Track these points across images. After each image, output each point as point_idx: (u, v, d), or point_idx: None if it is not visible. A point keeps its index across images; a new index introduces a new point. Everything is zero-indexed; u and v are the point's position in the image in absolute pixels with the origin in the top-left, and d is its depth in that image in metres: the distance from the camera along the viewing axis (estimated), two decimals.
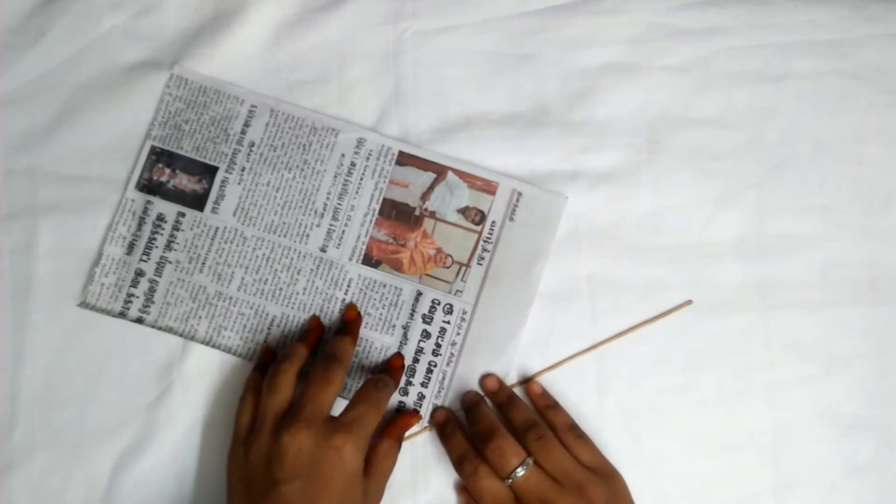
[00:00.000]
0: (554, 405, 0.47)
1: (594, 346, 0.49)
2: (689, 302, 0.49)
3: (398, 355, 0.48)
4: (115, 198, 0.50)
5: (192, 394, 0.48)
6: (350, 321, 0.48)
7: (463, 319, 0.49)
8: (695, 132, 0.51)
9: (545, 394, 0.48)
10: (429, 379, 0.49)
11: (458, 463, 0.45)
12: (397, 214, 0.50)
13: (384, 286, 0.49)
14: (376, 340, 0.49)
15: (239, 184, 0.50)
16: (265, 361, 0.47)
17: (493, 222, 0.50)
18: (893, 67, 0.51)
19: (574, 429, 0.46)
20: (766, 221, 0.50)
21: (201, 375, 0.48)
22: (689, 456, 0.48)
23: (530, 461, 0.43)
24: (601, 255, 0.50)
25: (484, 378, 0.48)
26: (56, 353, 0.48)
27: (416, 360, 0.49)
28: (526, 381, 0.48)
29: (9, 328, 0.48)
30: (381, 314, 0.49)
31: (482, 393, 0.48)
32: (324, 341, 0.48)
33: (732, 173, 0.51)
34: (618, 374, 0.49)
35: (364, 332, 0.49)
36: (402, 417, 0.47)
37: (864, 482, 0.48)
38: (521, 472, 0.43)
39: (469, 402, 0.47)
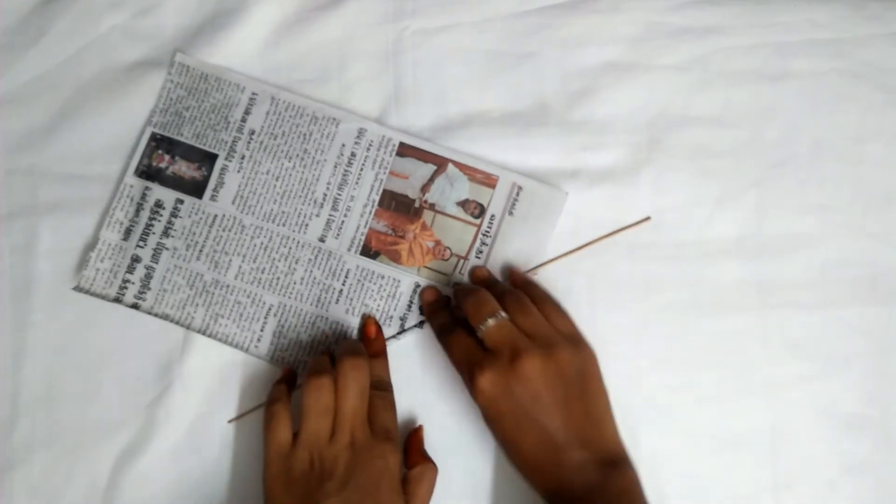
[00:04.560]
0: (532, 282, 0.47)
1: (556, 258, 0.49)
2: (647, 218, 0.49)
3: (370, 321, 0.48)
4: (115, 197, 0.50)
5: (192, 393, 0.48)
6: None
7: None
8: (694, 131, 0.51)
9: (522, 274, 0.48)
10: None
11: (439, 330, 0.45)
12: (397, 206, 0.50)
13: (382, 277, 0.49)
14: (362, 321, 0.49)
15: (238, 172, 0.50)
16: (290, 377, 0.47)
17: (493, 216, 0.49)
18: (893, 67, 0.51)
19: (551, 299, 0.46)
20: (766, 221, 0.50)
21: (201, 374, 0.48)
22: (688, 455, 0.48)
23: (503, 314, 0.42)
24: (601, 253, 0.50)
25: (475, 269, 0.49)
26: (56, 353, 0.48)
27: None
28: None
29: (9, 327, 0.48)
30: (378, 305, 0.49)
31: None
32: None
33: (732, 172, 0.51)
34: (617, 373, 0.49)
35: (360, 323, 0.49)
36: (412, 437, 0.47)
37: (862, 481, 0.48)
38: (491, 321, 0.42)
39: (435, 296, 0.49)
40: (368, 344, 0.47)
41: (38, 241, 0.49)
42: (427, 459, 0.45)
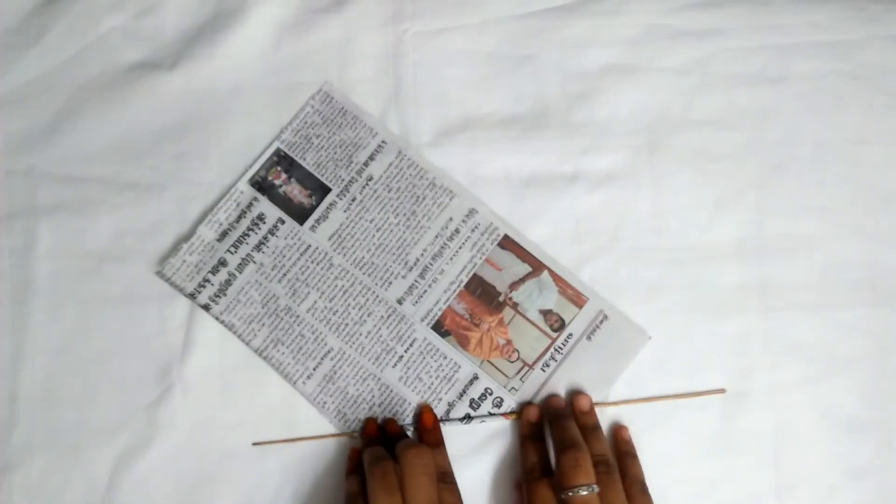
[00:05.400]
0: (634, 455, 0.47)
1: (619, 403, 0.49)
2: (722, 390, 0.49)
3: (427, 409, 0.47)
4: (114, 199, 0.50)
5: (193, 395, 0.48)
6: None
7: (507, 418, 0.48)
8: (695, 133, 0.51)
9: (630, 442, 0.48)
10: None
11: (529, 468, 0.44)
12: (482, 293, 0.49)
13: (444, 357, 0.48)
14: (417, 409, 0.48)
15: (345, 212, 0.50)
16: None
17: (570, 335, 0.49)
18: (893, 68, 0.51)
19: (643, 484, 0.45)
20: (766, 222, 0.50)
21: (202, 376, 0.48)
22: (690, 458, 0.48)
23: (596, 488, 0.41)
24: (601, 257, 0.50)
25: (578, 395, 0.48)
26: (56, 354, 0.48)
27: None
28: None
29: (9, 328, 0.48)
30: (431, 383, 0.48)
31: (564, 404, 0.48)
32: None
33: (732, 174, 0.51)
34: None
35: (409, 395, 0.48)
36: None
37: (864, 484, 0.48)
38: (584, 491, 0.41)
39: (557, 411, 0.47)
40: (425, 433, 0.46)
41: (38, 242, 0.49)
42: None
